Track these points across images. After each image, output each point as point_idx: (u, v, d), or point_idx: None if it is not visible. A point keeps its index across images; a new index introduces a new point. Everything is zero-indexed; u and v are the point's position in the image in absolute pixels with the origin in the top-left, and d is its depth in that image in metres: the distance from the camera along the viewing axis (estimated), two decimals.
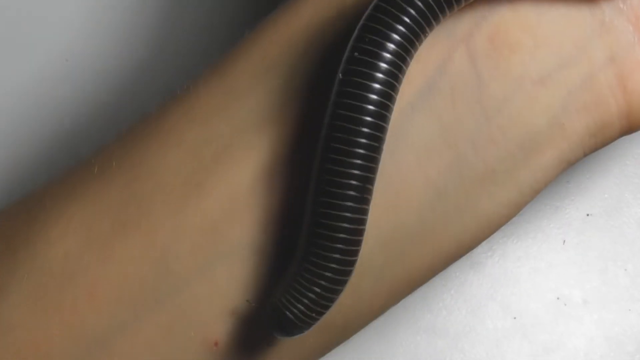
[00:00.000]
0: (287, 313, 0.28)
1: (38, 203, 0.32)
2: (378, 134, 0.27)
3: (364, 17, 0.28)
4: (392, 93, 0.28)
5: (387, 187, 0.30)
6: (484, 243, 0.42)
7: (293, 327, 0.29)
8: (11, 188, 0.45)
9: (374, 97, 0.27)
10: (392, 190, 0.30)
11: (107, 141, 0.33)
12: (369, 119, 0.27)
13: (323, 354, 0.33)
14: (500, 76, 0.30)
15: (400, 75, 0.28)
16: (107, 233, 0.31)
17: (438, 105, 0.30)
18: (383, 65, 0.27)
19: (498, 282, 0.44)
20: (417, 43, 0.28)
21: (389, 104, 0.28)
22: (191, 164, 0.31)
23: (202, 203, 0.30)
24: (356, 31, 0.28)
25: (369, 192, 0.28)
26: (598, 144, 0.32)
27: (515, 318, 0.43)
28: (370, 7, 0.28)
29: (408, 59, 0.28)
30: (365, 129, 0.27)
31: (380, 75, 0.27)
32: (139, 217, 0.31)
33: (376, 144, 0.28)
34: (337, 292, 0.29)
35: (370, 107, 0.27)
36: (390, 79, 0.27)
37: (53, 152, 0.46)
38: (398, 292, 0.32)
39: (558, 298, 0.43)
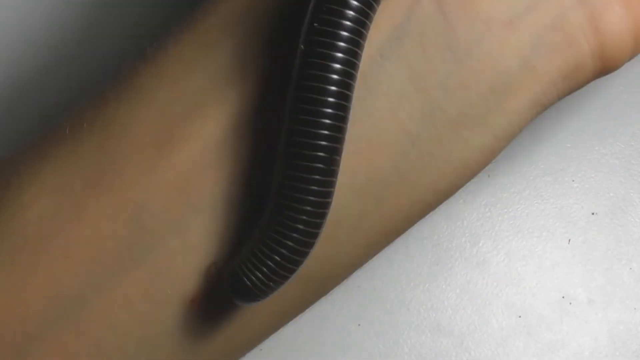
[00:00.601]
0: (245, 279, 0.28)
1: (11, 167, 0.32)
2: (344, 99, 0.27)
3: None
4: (355, 61, 0.27)
5: (360, 136, 0.30)
6: (488, 242, 0.43)
7: (249, 294, 0.29)
8: None
9: (338, 66, 0.27)
10: (365, 138, 0.30)
11: (78, 104, 0.33)
12: (334, 88, 0.27)
13: (303, 308, 0.33)
14: (468, 19, 0.30)
15: (361, 41, 0.28)
16: (80, 193, 0.31)
17: (407, 51, 0.30)
18: (344, 33, 0.27)
19: (503, 281, 0.44)
20: (376, 5, 0.28)
21: (352, 72, 0.27)
22: (162, 120, 0.31)
23: (173, 158, 0.30)
24: None
25: (340, 140, 0.28)
26: (572, 86, 0.32)
27: (520, 317, 0.43)
28: None
29: (368, 22, 0.28)
30: (330, 98, 0.27)
31: (342, 44, 0.27)
32: (112, 175, 0.31)
33: (342, 113, 0.28)
34: (297, 263, 0.28)
35: (335, 76, 0.27)
36: (352, 45, 0.27)
37: None
38: (376, 241, 0.32)
39: (563, 297, 0.43)
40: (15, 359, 0.31)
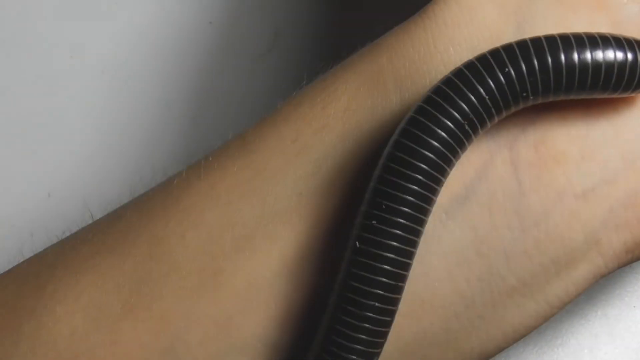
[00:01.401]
0: None
1: (48, 269, 0.31)
2: (409, 248, 0.27)
3: (405, 118, 0.27)
4: (426, 206, 0.27)
5: (413, 294, 0.29)
6: None
7: None
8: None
9: (407, 210, 0.26)
10: (418, 297, 0.29)
11: (123, 207, 0.32)
12: (399, 232, 0.26)
13: None
14: (542, 187, 0.29)
15: (433, 197, 0.27)
16: (116, 314, 0.29)
17: (474, 213, 0.29)
18: (414, 187, 0.26)
19: None
20: (459, 152, 0.27)
21: (422, 219, 0.27)
22: (210, 248, 0.30)
23: (218, 293, 0.29)
24: (396, 134, 0.27)
25: (395, 302, 0.27)
26: (634, 258, 0.31)
27: None
28: (415, 105, 0.27)
29: (443, 179, 0.27)
30: (394, 243, 0.26)
31: (410, 198, 0.26)
32: (151, 300, 0.29)
33: (407, 259, 0.27)
34: None
35: (402, 220, 0.26)
36: (424, 194, 0.26)
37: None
38: None
39: None
40: None
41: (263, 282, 0.29)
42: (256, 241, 0.29)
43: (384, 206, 0.26)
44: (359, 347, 0.27)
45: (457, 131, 0.26)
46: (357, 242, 0.27)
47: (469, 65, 0.27)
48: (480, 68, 0.26)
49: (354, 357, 0.27)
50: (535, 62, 0.26)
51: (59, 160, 0.46)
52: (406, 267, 0.27)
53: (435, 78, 0.28)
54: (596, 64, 0.27)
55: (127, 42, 0.47)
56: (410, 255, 0.27)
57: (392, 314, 0.27)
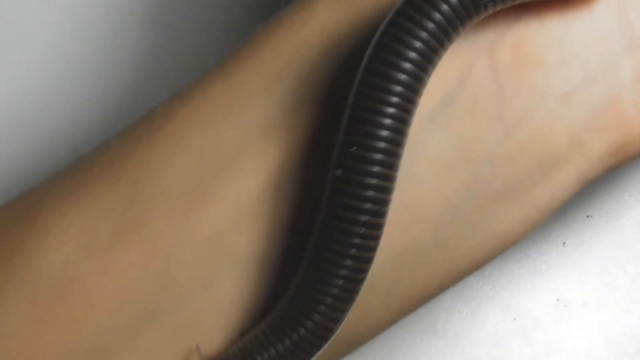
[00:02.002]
0: (272, 349, 0.28)
1: (37, 204, 0.31)
2: (393, 159, 0.26)
3: (379, 32, 0.27)
4: (408, 117, 0.26)
5: (402, 202, 0.29)
6: None
7: None
8: (10, 188, 0.45)
9: (389, 121, 0.26)
10: (407, 206, 0.29)
11: (108, 140, 0.32)
12: (382, 144, 0.26)
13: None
14: (522, 91, 0.29)
15: (416, 99, 0.26)
16: (107, 240, 0.30)
17: (457, 119, 0.29)
18: (398, 88, 0.26)
19: (498, 284, 0.43)
20: (435, 60, 0.27)
21: (404, 129, 0.26)
22: (197, 169, 0.30)
23: (207, 211, 0.29)
24: (371, 47, 0.27)
25: (383, 214, 0.27)
26: (618, 162, 0.31)
27: (515, 319, 0.43)
28: (387, 18, 0.27)
29: (425, 79, 0.27)
30: (379, 155, 0.26)
31: (395, 99, 0.26)
32: (142, 223, 0.30)
33: (391, 170, 0.27)
34: (330, 332, 0.28)
35: (385, 132, 0.26)
36: (405, 102, 0.26)
37: (53, 152, 0.46)
38: (408, 306, 0.32)
39: (558, 300, 0.43)
40: None
41: (251, 198, 0.29)
42: (242, 159, 0.29)
43: (365, 118, 0.26)
44: (356, 240, 0.27)
45: (431, 38, 0.26)
46: (343, 147, 0.26)
47: None
48: None
49: (345, 272, 0.27)
50: None
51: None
52: (392, 177, 0.27)
53: None
54: None
55: (120, 46, 0.47)
56: (397, 155, 0.27)
57: (385, 209, 0.27)
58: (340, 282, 0.27)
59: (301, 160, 0.29)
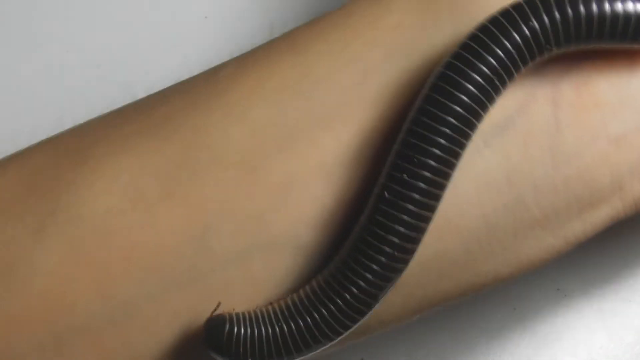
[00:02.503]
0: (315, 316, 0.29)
1: (92, 145, 0.32)
2: (445, 169, 0.28)
3: (446, 58, 0.28)
4: (463, 141, 0.28)
5: (441, 213, 0.29)
6: None
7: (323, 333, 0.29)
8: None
9: (442, 140, 0.28)
10: (445, 217, 0.30)
11: (167, 87, 0.33)
12: (438, 152, 0.28)
13: (336, 349, 0.33)
14: (578, 128, 0.30)
15: (471, 132, 0.28)
16: (154, 197, 0.30)
17: (510, 143, 0.30)
18: (464, 98, 0.28)
19: None
20: (495, 96, 0.28)
21: (458, 150, 0.28)
22: (251, 144, 0.30)
23: (254, 188, 0.30)
24: (436, 72, 0.28)
25: (427, 219, 0.28)
26: None
27: (515, 309, 0.43)
28: (458, 45, 0.28)
29: (483, 114, 0.28)
30: (432, 162, 0.28)
31: (460, 109, 0.28)
32: (189, 188, 0.30)
33: (443, 179, 0.28)
34: (375, 297, 0.29)
35: (440, 142, 0.28)
36: (461, 127, 0.28)
37: None
38: (424, 309, 0.32)
39: (558, 289, 0.43)
40: (53, 347, 0.30)
41: (299, 184, 0.30)
42: (297, 143, 0.30)
43: (425, 129, 0.28)
44: (388, 250, 0.28)
45: (499, 69, 0.28)
46: (396, 155, 0.28)
47: (509, 9, 0.28)
48: (519, 14, 0.28)
49: (383, 259, 0.28)
50: (566, 9, 0.28)
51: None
52: (441, 187, 0.28)
53: (491, 8, 0.29)
54: (614, 14, 0.28)
55: (122, 36, 0.47)
56: (446, 176, 0.28)
57: (422, 230, 0.28)
58: (383, 258, 0.28)
59: (355, 156, 0.30)
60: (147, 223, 0.30)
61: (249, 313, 0.29)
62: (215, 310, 0.30)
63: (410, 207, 0.28)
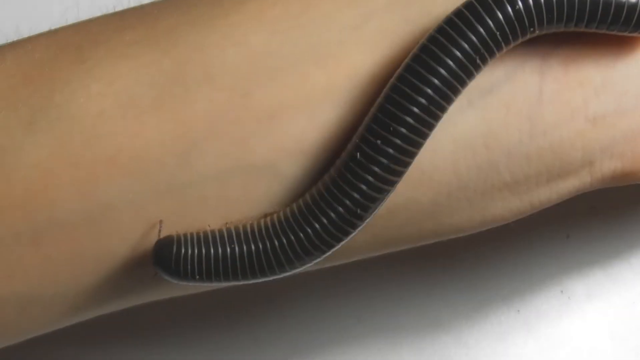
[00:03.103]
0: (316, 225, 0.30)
1: (92, 45, 0.32)
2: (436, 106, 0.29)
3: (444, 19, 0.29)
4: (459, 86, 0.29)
5: (416, 164, 0.30)
6: (488, 237, 0.42)
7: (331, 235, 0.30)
8: None
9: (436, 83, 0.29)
10: (420, 168, 0.31)
11: (175, 2, 0.33)
12: (430, 92, 0.29)
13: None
14: (559, 102, 0.31)
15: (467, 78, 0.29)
16: (145, 107, 0.31)
17: (492, 107, 0.31)
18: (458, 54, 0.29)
19: (502, 276, 0.44)
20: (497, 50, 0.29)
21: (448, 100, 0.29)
22: (245, 69, 0.31)
23: (241, 113, 0.31)
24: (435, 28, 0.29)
25: (412, 154, 0.29)
26: (615, 184, 0.33)
27: (519, 311, 0.43)
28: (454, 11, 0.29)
29: (475, 73, 0.29)
30: (423, 100, 0.29)
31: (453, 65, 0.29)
32: (180, 103, 0.31)
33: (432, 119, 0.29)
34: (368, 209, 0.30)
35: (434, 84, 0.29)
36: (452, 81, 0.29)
37: None
38: (386, 249, 0.34)
39: (562, 291, 0.43)
40: (29, 236, 0.31)
41: (286, 115, 0.31)
42: (289, 75, 0.31)
43: (419, 72, 0.29)
44: (376, 169, 0.29)
45: (487, 40, 0.29)
46: (390, 91, 0.29)
47: None
48: None
49: (371, 179, 0.29)
50: None
51: None
52: (429, 125, 0.29)
53: None
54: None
55: None
56: (428, 126, 0.29)
57: (407, 164, 0.29)
58: (371, 176, 0.29)
59: (345, 97, 0.31)
60: (135, 132, 0.31)
61: (200, 234, 0.31)
62: (160, 229, 0.31)
63: (398, 141, 0.29)
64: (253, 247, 0.30)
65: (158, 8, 0.33)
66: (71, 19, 0.35)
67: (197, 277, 0.30)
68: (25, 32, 0.36)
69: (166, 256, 0.30)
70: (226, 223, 0.31)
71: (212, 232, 0.30)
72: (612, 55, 0.31)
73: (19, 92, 0.31)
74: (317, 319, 0.44)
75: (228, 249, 0.30)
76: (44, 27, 0.35)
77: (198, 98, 0.31)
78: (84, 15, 0.35)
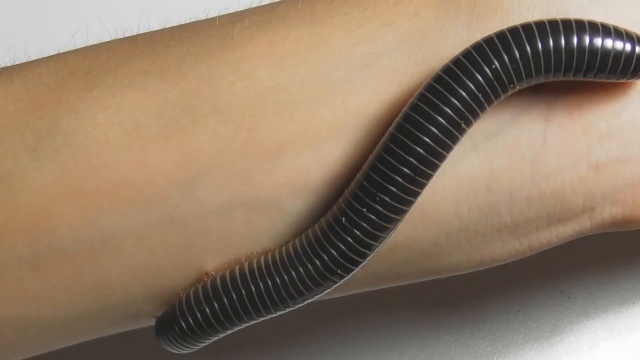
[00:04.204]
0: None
1: (101, 72, 0.32)
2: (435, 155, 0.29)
3: (447, 63, 0.29)
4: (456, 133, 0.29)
5: (418, 204, 0.30)
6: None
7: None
8: None
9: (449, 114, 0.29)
10: (421, 208, 0.31)
11: (180, 26, 0.33)
12: (429, 141, 0.29)
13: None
14: (563, 148, 0.31)
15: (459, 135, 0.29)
16: (151, 137, 0.31)
17: (496, 150, 0.31)
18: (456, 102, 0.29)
19: (501, 276, 0.43)
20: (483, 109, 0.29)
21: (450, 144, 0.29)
22: (253, 104, 0.31)
23: (247, 147, 0.31)
24: (435, 75, 0.29)
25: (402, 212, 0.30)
26: (616, 229, 0.33)
27: (519, 311, 0.43)
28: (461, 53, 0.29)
29: (473, 121, 0.29)
30: (422, 147, 0.29)
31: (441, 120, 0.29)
32: (187, 134, 0.31)
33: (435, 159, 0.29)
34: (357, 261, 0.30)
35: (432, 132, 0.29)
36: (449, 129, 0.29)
37: None
38: (383, 285, 0.34)
39: (562, 291, 0.43)
40: (30, 260, 0.31)
41: (291, 151, 0.31)
42: (297, 111, 0.31)
43: (420, 119, 0.29)
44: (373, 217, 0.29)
45: (495, 82, 0.29)
46: (392, 134, 0.29)
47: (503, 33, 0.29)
48: (502, 43, 0.29)
49: (374, 217, 0.29)
50: (549, 41, 0.29)
51: None
52: (426, 177, 0.29)
53: (508, 19, 0.30)
54: (592, 49, 0.29)
55: None
56: (437, 160, 0.29)
57: (409, 203, 0.30)
58: (358, 232, 0.30)
59: (350, 136, 0.31)
60: (140, 162, 0.31)
61: (197, 291, 0.31)
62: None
63: (393, 189, 0.29)
64: (253, 288, 0.30)
65: (169, 36, 0.33)
66: (80, 42, 0.35)
67: (204, 339, 0.31)
68: (34, 54, 0.36)
69: (170, 336, 0.31)
70: (225, 265, 0.31)
71: (209, 284, 0.31)
72: (618, 103, 0.31)
73: (26, 117, 0.31)
74: (316, 318, 0.44)
75: (226, 299, 0.31)
76: (53, 50, 0.35)
77: (205, 130, 0.31)
78: (93, 39, 0.35)
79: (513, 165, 0.31)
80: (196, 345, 0.32)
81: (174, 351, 0.32)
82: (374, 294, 0.43)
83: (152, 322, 0.34)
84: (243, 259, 0.31)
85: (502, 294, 0.43)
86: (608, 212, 0.32)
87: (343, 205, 0.30)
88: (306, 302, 0.31)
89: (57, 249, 0.31)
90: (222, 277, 0.31)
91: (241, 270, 0.31)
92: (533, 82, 0.30)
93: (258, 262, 0.31)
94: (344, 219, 0.30)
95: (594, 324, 0.43)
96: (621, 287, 0.43)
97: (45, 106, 0.32)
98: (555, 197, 0.32)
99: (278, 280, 0.30)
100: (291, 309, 0.31)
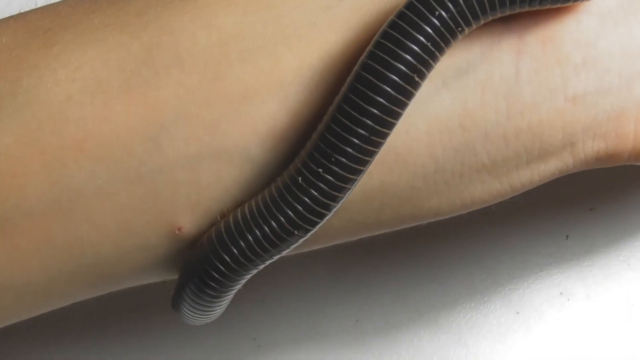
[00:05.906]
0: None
1: (60, 29, 0.32)
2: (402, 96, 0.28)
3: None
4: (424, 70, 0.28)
5: (391, 146, 0.30)
6: (487, 237, 0.43)
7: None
8: None
9: (402, 68, 0.28)
10: (394, 151, 0.30)
11: None
12: (396, 78, 0.28)
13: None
14: (537, 81, 0.30)
15: (426, 70, 0.28)
16: (113, 92, 0.30)
17: (468, 88, 0.30)
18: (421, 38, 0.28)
19: (500, 277, 0.44)
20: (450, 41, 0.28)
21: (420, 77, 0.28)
22: (216, 52, 0.30)
23: (212, 96, 0.30)
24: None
25: (376, 147, 0.29)
26: (600, 165, 0.32)
27: (518, 313, 0.43)
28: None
29: (445, 49, 0.28)
30: (388, 88, 0.28)
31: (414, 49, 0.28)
32: (149, 87, 0.30)
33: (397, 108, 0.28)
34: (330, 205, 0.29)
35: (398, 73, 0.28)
36: (419, 63, 0.28)
37: None
38: (363, 234, 0.33)
39: (561, 293, 0.43)
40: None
41: (256, 98, 0.30)
42: (260, 57, 0.30)
43: (386, 53, 0.28)
44: (343, 159, 0.29)
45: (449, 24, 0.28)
46: (358, 74, 0.28)
47: None
48: None
49: (337, 169, 0.29)
50: None
51: None
52: (395, 115, 0.28)
53: None
54: None
55: None
56: (401, 105, 0.28)
57: (378, 144, 0.29)
58: (330, 177, 0.29)
59: (316, 78, 0.30)
60: (103, 117, 0.30)
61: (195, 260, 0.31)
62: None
63: (361, 131, 0.28)
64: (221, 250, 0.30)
65: None
66: (41, 1, 0.35)
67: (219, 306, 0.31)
68: None
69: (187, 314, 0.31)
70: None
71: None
72: (594, 31, 0.30)
73: None
74: (315, 319, 0.44)
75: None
76: (14, 11, 0.35)
77: (167, 82, 0.30)
78: None
79: (486, 102, 0.30)
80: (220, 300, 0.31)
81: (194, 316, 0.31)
82: (372, 295, 0.43)
83: (125, 285, 0.34)
84: (218, 216, 0.31)
85: (501, 295, 0.43)
86: (590, 146, 0.31)
87: (299, 165, 0.29)
88: (274, 257, 0.30)
89: (24, 210, 0.30)
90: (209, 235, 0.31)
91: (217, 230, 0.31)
92: (481, 22, 0.29)
93: (226, 221, 0.30)
94: (300, 178, 0.29)
95: (593, 325, 0.43)
96: (621, 288, 0.43)
97: (5, 66, 0.31)
98: (532, 133, 0.31)
99: (242, 243, 0.30)
100: (258, 268, 0.31)
